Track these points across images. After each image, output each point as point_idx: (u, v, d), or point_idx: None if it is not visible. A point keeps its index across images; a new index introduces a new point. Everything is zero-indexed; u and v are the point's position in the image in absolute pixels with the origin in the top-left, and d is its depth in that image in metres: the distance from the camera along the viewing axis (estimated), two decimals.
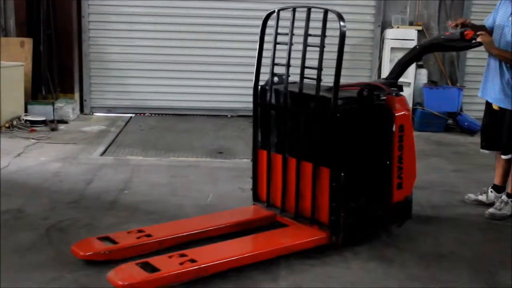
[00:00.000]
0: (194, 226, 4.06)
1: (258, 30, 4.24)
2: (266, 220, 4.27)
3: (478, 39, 4.48)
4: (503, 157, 4.78)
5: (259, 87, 4.32)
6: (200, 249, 3.67)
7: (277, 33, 4.17)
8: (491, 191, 4.97)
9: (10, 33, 8.25)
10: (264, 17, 4.22)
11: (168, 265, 3.37)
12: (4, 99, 7.24)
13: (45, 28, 8.11)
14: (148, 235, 3.84)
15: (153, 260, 3.42)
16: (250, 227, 4.16)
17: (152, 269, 3.32)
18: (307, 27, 3.98)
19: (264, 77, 4.30)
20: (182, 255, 3.47)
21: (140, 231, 3.91)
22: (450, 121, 8.30)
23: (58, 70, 8.31)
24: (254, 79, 4.31)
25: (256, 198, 4.47)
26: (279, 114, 4.22)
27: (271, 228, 4.15)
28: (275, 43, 4.18)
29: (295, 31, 4.08)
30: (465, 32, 4.38)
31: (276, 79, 4.24)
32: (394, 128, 4.03)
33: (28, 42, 8.06)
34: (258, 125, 4.38)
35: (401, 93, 4.20)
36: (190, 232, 3.96)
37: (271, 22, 4.20)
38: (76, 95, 8.57)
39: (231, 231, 4.07)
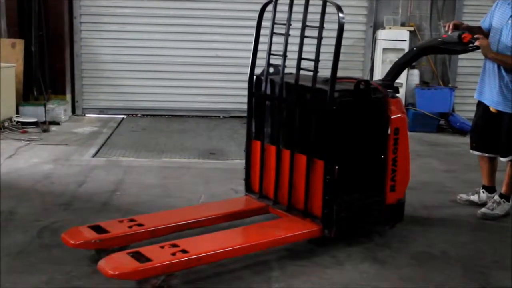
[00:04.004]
0: (186, 216, 4.05)
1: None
2: (258, 211, 4.27)
3: (476, 43, 4.43)
4: (502, 159, 4.76)
5: (255, 76, 4.30)
6: (192, 239, 3.64)
7: (274, 23, 4.13)
8: (483, 192, 4.98)
9: (1, 34, 8.18)
10: (261, 7, 4.17)
11: (160, 255, 3.33)
12: None
13: (36, 29, 8.07)
14: (140, 225, 3.80)
15: (145, 250, 3.38)
16: (242, 217, 4.16)
17: (144, 259, 3.28)
18: (305, 17, 3.95)
19: (259, 70, 4.27)
20: (174, 245, 3.44)
21: (131, 220, 3.87)
22: (442, 122, 8.34)
23: (49, 71, 8.26)
24: (249, 69, 4.28)
25: (248, 189, 4.47)
26: (274, 104, 4.20)
27: (263, 219, 4.15)
28: (272, 32, 4.15)
29: (291, 23, 4.05)
30: (463, 35, 4.34)
31: (271, 69, 4.22)
32: (389, 131, 4.00)
33: (20, 43, 8.02)
34: (252, 115, 4.36)
35: (397, 94, 4.19)
36: (182, 222, 3.94)
37: (267, 15, 4.16)
38: (68, 96, 8.52)
39: (223, 222, 4.08)
